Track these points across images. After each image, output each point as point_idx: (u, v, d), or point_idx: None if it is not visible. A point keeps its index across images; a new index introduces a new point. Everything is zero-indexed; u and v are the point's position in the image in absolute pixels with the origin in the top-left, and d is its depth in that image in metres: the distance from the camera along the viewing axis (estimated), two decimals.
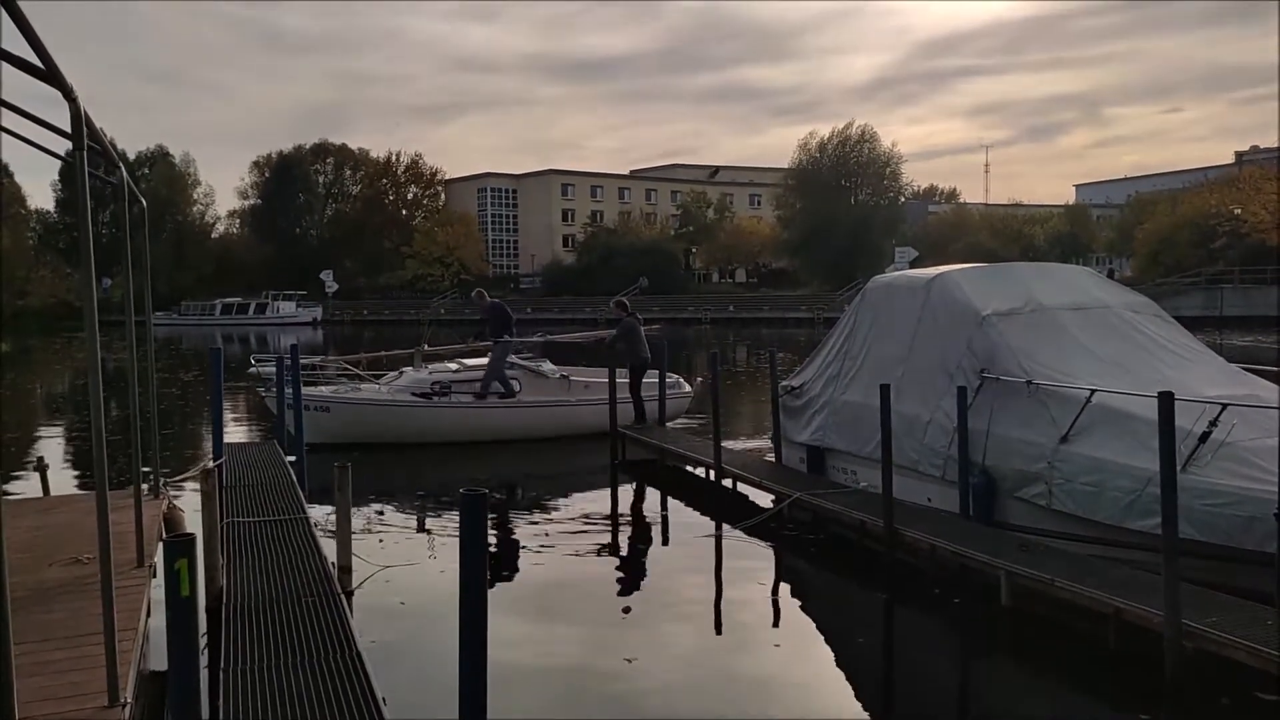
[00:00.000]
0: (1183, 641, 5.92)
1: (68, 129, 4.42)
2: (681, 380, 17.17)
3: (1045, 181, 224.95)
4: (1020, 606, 7.31)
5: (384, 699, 4.77)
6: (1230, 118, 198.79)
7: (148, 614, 5.76)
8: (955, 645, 7.48)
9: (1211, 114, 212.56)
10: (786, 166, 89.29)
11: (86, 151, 4.45)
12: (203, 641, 6.30)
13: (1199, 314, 46.99)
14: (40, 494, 9.98)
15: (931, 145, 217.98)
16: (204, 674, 5.72)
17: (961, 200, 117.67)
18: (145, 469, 7.96)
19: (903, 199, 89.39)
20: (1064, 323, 9.35)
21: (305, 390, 14.42)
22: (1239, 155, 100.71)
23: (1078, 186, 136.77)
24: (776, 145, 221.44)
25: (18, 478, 12.81)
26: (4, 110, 4.83)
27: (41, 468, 10.47)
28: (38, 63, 3.52)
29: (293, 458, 10.96)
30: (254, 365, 16.92)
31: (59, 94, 4.15)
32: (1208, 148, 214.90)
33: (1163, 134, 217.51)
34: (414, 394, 15.46)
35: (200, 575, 5.36)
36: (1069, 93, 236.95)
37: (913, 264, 55.30)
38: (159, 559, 6.42)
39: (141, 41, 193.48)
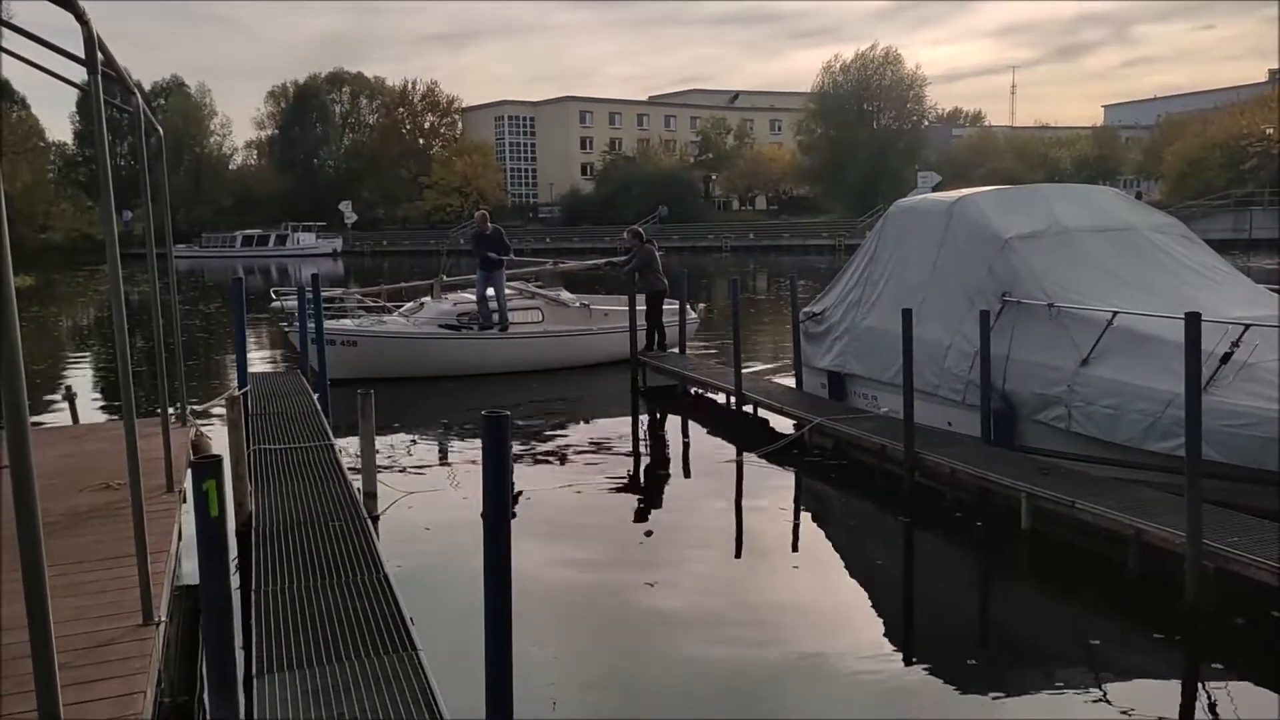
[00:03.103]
0: (1203, 562, 5.95)
1: (82, 55, 4.39)
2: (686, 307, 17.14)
3: (1073, 103, 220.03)
4: (1040, 529, 7.35)
5: (411, 619, 4.87)
6: (1265, 35, 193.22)
7: (178, 538, 5.88)
8: (975, 568, 7.53)
9: (1245, 31, 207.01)
10: (807, 91, 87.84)
11: (101, 78, 4.42)
12: (234, 564, 6.44)
13: (1228, 236, 46.36)
14: (70, 422, 10.13)
15: (956, 68, 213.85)
16: (236, 595, 5.86)
17: (986, 123, 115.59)
18: (171, 399, 8.05)
19: (926, 123, 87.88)
20: (1087, 245, 9.24)
21: (332, 325, 14.49)
22: (1272, 73, 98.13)
23: (1106, 108, 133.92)
24: (797, 70, 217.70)
25: (47, 407, 13.00)
26: (20, 39, 4.81)
27: (70, 397, 10.61)
28: None
29: (317, 394, 11.06)
30: (275, 300, 16.88)
31: (75, 24, 4.11)
32: (1241, 66, 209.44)
33: (1194, 52, 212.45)
34: (440, 326, 15.47)
35: (229, 499, 5.45)
36: (1098, 10, 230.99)
37: (936, 189, 54.55)
38: (188, 484, 6.53)
39: None
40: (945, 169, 72.88)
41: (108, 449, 7.75)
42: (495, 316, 15.46)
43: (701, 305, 19.59)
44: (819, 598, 6.70)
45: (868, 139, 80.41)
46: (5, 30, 5.17)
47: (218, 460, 3.17)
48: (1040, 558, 7.25)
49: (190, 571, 5.96)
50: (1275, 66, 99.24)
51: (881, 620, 6.33)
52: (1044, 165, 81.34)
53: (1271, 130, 58.08)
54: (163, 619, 4.55)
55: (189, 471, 6.87)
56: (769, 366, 15.71)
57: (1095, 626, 6.10)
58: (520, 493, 8.81)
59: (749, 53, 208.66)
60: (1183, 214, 35.73)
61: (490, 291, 15.43)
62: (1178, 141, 66.99)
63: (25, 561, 2.56)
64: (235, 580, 6.29)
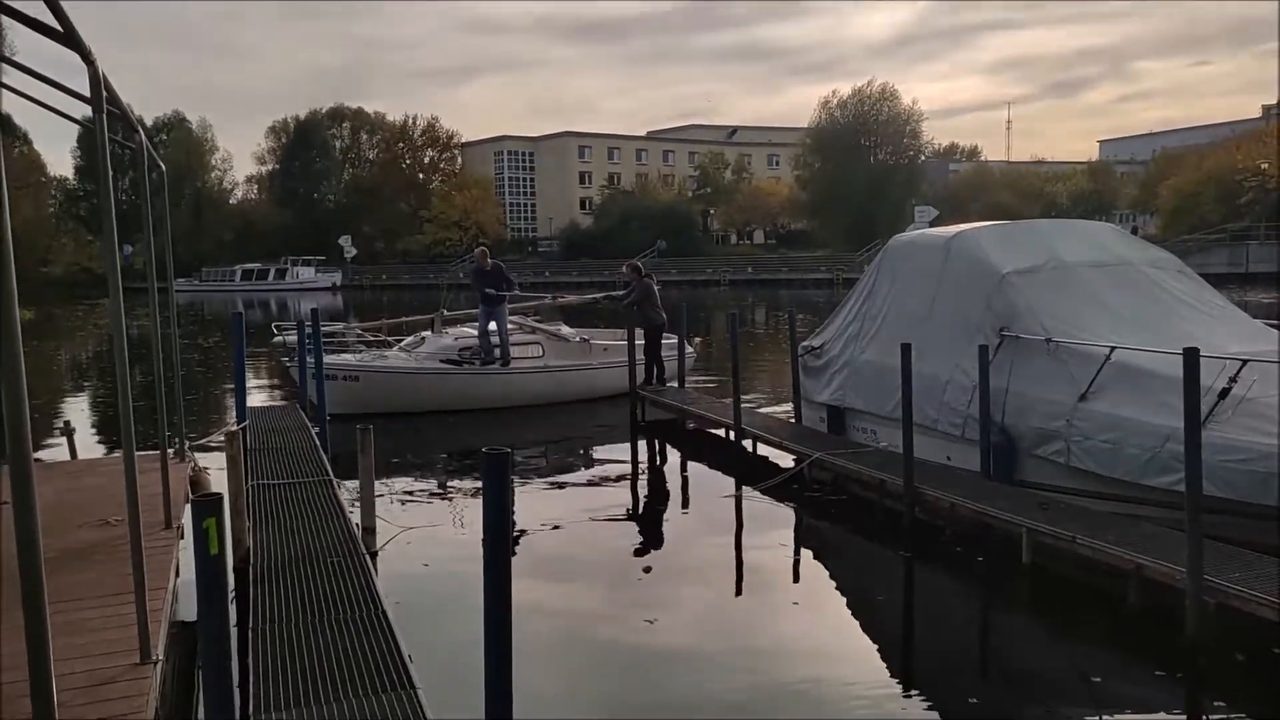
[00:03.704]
0: (1204, 597, 5.93)
1: (87, 93, 4.43)
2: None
3: (1068, 138, 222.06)
4: (1041, 564, 7.32)
5: (410, 656, 4.84)
6: (1259, 71, 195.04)
7: (176, 574, 5.86)
8: (976, 603, 7.50)
9: (1240, 67, 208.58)
10: (805, 126, 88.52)
11: (106, 115, 4.46)
12: (231, 601, 6.41)
13: (1224, 270, 46.54)
14: (68, 457, 10.11)
15: (952, 103, 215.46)
16: (233, 632, 5.84)
17: (983, 158, 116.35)
18: (170, 434, 8.04)
19: (923, 158, 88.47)
20: (1085, 280, 9.28)
21: (335, 360, 14.51)
22: (1266, 109, 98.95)
23: (1101, 143, 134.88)
24: (795, 105, 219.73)
25: (45, 442, 12.97)
26: (24, 76, 4.86)
27: (68, 432, 10.59)
28: (56, 25, 3.52)
29: (317, 428, 11.03)
30: (278, 334, 16.90)
31: (77, 59, 4.16)
32: (1235, 102, 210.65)
33: (1190, 88, 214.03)
34: (443, 360, 15.48)
35: (227, 536, 5.43)
36: (1094, 46, 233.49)
37: (933, 223, 54.79)
38: (186, 520, 6.51)
39: (154, 7, 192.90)
40: (942, 203, 73.28)
41: (106, 484, 7.73)
42: (497, 351, 15.48)
43: (697, 339, 19.65)
44: (819, 633, 6.66)
45: (865, 173, 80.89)
46: (10, 67, 5.23)
47: (218, 498, 3.17)
48: (1041, 592, 7.22)
49: (188, 609, 5.93)
50: (1269, 102, 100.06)
51: (882, 656, 6.30)
52: (1040, 199, 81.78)
53: (1267, 165, 58.48)
54: (160, 658, 4.52)
55: (187, 507, 6.85)
56: (768, 400, 15.71)
57: (1096, 662, 6.07)
58: (521, 533, 8.78)
59: (747, 88, 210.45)
60: (1179, 248, 35.93)
61: (492, 326, 15.47)
62: (1173, 176, 67.39)
63: (27, 600, 2.55)
64: (232, 617, 6.27)
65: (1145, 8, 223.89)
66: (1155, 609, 6.37)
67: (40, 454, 11.90)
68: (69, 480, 8.29)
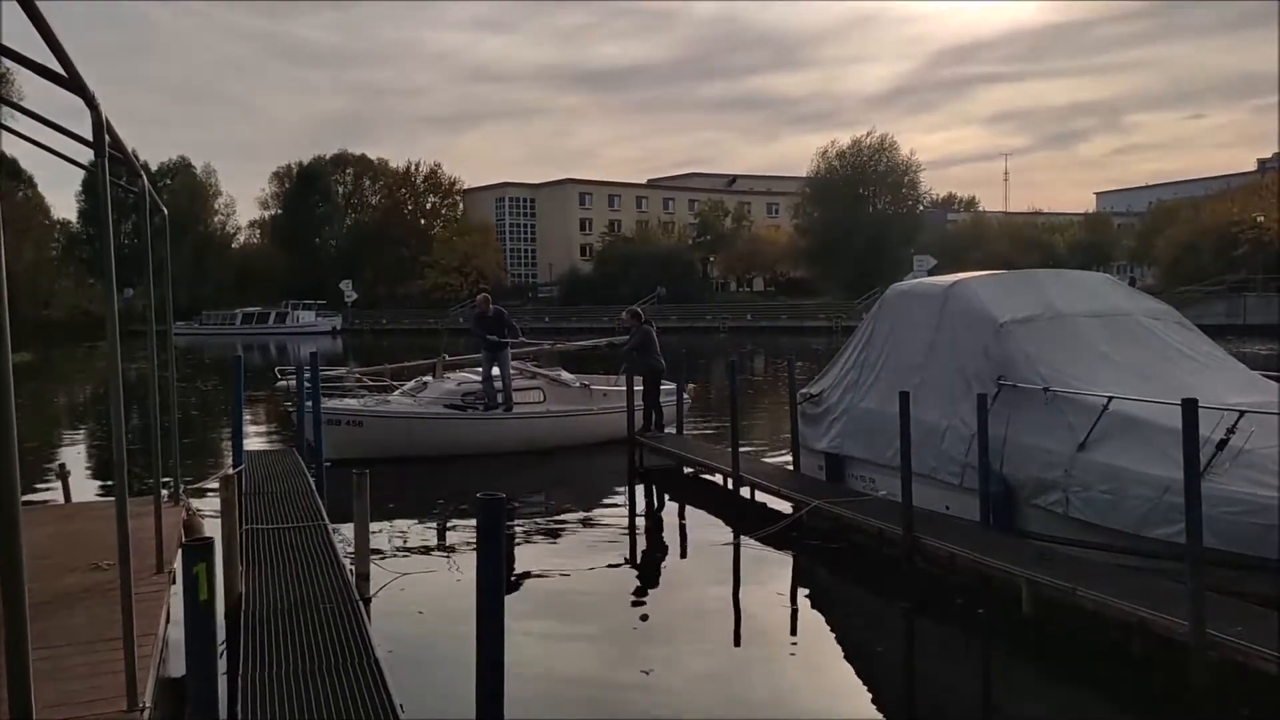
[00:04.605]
0: (1208, 651, 5.86)
1: (90, 137, 4.46)
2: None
3: (1065, 189, 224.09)
4: (1042, 616, 7.24)
5: (401, 706, 4.77)
6: (1254, 124, 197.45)
7: (167, 620, 5.79)
8: (977, 655, 7.42)
9: (1235, 120, 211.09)
10: (804, 175, 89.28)
11: (108, 160, 4.49)
12: (222, 647, 6.33)
13: (1222, 322, 46.64)
14: (62, 500, 10.05)
15: (950, 153, 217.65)
16: (223, 680, 5.76)
17: (980, 208, 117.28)
18: (165, 477, 7.99)
19: (921, 207, 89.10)
20: (1082, 330, 9.29)
21: (337, 404, 14.48)
22: (1261, 162, 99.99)
23: (1098, 194, 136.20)
24: (794, 154, 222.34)
25: (40, 485, 12.90)
26: (28, 120, 4.90)
27: (63, 475, 10.52)
28: (60, 70, 3.56)
29: (314, 473, 10.97)
30: (280, 379, 16.85)
31: (81, 105, 4.19)
32: (1231, 154, 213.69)
33: (1185, 141, 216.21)
34: (445, 406, 15.46)
35: (219, 581, 5.38)
36: (1090, 100, 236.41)
37: (931, 272, 55.02)
38: (178, 565, 6.45)
39: (161, 56, 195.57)
40: (940, 253, 73.67)
41: (99, 528, 7.66)
42: (499, 396, 15.47)
43: (691, 385, 19.64)
44: (818, 685, 6.58)
45: (864, 222, 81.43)
46: (17, 112, 5.28)
47: (209, 543, 3.14)
48: (1042, 644, 7.13)
49: (178, 656, 5.85)
50: (1264, 156, 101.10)
51: (881, 711, 6.21)
52: (1038, 249, 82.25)
53: (1262, 218, 58.93)
54: (147, 705, 4.45)
55: (180, 552, 6.79)
56: (767, 448, 15.67)
57: (1099, 715, 5.99)
58: (517, 579, 8.70)
59: (747, 137, 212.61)
60: (1176, 300, 36.05)
61: (495, 371, 15.47)
62: (1169, 228, 67.90)
63: (10, 643, 2.51)
64: (222, 664, 6.19)
65: (1138, 62, 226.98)
66: (1159, 661, 6.29)
67: (35, 496, 11.83)
68: (61, 523, 8.23)
